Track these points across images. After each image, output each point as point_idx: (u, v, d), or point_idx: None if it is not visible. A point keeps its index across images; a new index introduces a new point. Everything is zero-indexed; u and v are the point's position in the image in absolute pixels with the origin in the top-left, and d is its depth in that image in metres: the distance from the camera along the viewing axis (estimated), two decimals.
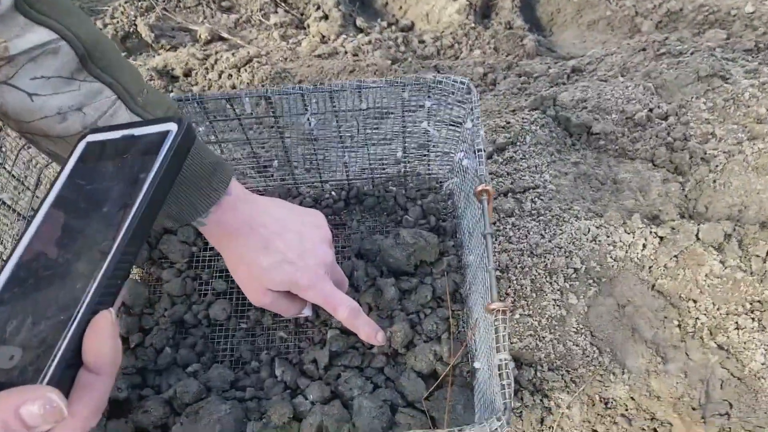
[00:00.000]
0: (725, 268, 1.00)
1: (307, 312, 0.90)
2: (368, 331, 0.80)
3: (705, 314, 0.98)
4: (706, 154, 1.18)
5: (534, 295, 1.01)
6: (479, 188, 0.82)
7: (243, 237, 0.71)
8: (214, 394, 0.94)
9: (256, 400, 0.94)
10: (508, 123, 1.30)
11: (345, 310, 0.77)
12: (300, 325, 1.03)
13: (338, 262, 1.09)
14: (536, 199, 1.12)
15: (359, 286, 1.04)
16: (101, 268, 0.38)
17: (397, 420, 0.89)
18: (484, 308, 0.78)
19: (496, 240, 1.08)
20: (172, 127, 0.44)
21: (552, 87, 1.49)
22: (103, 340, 0.36)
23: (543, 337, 0.98)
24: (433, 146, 1.08)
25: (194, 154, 0.61)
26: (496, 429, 0.65)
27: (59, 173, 0.44)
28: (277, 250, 0.72)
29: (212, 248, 1.12)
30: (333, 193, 1.15)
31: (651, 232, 1.04)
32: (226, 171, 0.69)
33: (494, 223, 1.10)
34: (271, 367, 0.99)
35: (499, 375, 0.69)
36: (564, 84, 1.50)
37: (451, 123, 1.01)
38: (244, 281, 0.76)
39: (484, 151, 0.87)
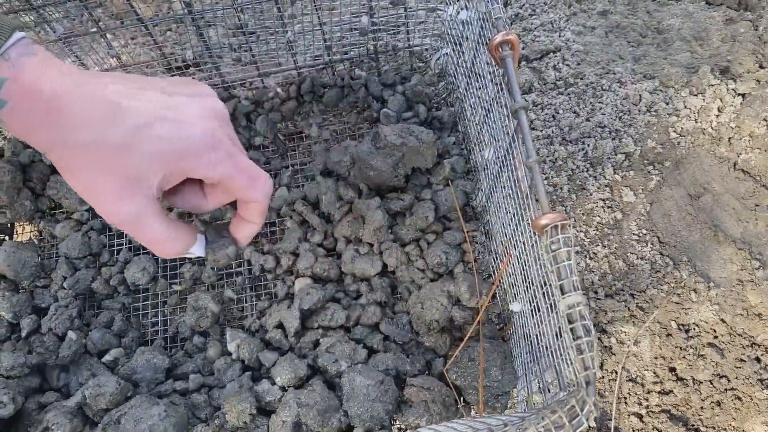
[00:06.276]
0: None
1: (197, 249, 0.49)
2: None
3: None
4: None
5: (574, 196, 0.73)
6: (497, 39, 0.52)
7: (73, 108, 0.39)
8: (142, 390, 0.66)
9: (204, 392, 0.67)
10: None
11: (267, 184, 0.44)
12: (256, 278, 0.74)
13: (298, 184, 0.79)
14: (560, 65, 0.81)
15: (330, 214, 0.74)
16: None
17: (407, 397, 0.62)
18: (520, 224, 0.49)
19: None
20: None
21: None
22: None
23: (594, 254, 0.70)
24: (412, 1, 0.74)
25: None
26: (575, 413, 0.39)
27: None
28: (135, 110, 0.40)
29: None
30: (279, 90, 0.83)
31: (728, 90, 0.75)
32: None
33: None
34: (221, 341, 0.70)
35: (571, 329, 0.41)
36: None
37: None
38: (87, 184, 0.42)
39: None
